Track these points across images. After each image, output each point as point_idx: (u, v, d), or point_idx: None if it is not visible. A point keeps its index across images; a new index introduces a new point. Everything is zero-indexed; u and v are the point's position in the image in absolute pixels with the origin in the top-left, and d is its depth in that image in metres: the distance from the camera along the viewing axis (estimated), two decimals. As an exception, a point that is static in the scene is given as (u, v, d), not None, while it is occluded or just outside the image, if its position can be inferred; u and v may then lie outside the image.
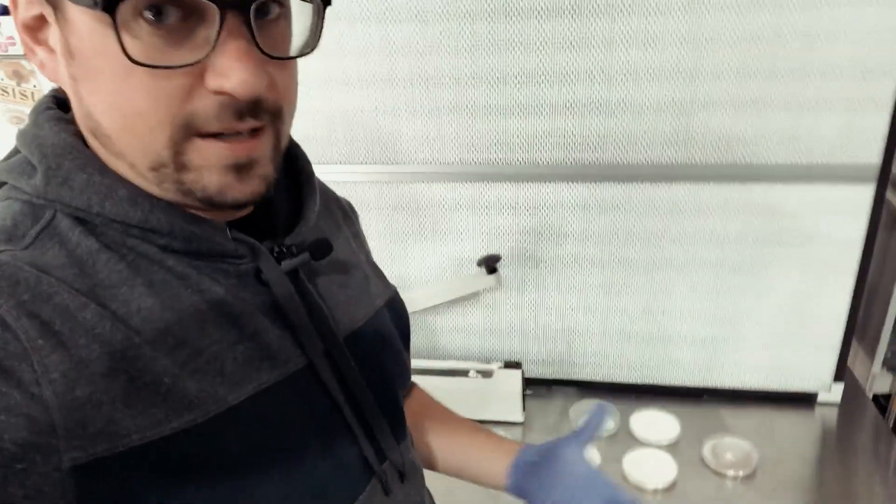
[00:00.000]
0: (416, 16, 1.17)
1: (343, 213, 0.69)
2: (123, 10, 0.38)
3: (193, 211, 0.47)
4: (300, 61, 0.48)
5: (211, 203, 0.45)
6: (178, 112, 0.42)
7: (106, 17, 0.38)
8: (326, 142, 1.29)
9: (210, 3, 0.39)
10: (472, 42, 1.18)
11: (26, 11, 0.43)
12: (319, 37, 0.47)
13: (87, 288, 0.43)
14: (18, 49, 1.17)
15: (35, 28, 0.44)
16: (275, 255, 0.51)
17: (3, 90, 1.13)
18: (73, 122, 0.47)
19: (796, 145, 1.19)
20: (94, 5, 0.38)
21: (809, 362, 1.36)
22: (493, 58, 1.19)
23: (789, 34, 1.11)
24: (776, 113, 1.17)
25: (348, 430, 0.55)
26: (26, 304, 0.40)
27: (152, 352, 0.43)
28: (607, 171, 1.25)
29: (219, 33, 0.40)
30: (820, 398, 1.39)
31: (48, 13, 0.42)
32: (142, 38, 0.39)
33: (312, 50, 0.47)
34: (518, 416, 1.34)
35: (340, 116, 1.27)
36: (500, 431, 1.28)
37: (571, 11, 1.14)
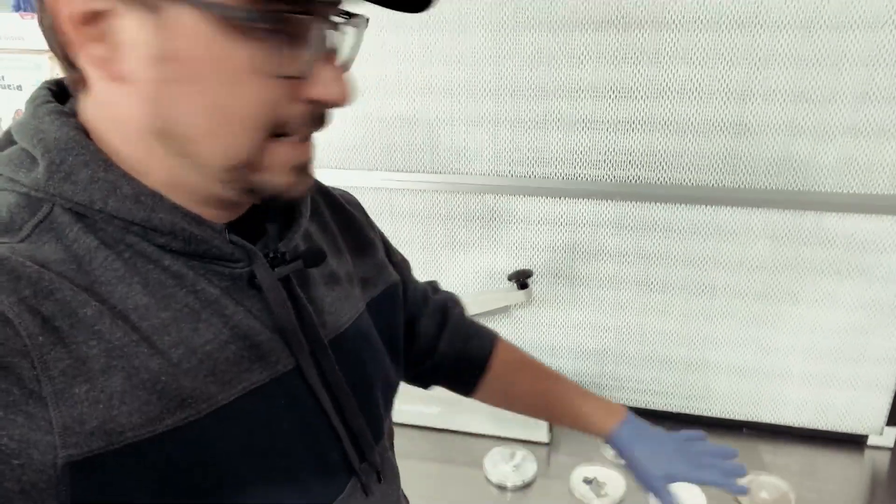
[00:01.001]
0: (458, 25, 1.16)
1: (333, 209, 0.69)
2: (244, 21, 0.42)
3: (195, 211, 0.48)
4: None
5: (272, 199, 0.49)
6: (273, 117, 0.45)
7: (225, 25, 0.41)
8: (364, 148, 1.29)
9: (322, 19, 0.44)
10: (514, 53, 1.16)
11: (84, 5, 0.42)
12: (357, 51, 0.50)
13: (87, 284, 0.43)
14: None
15: (89, 22, 0.42)
16: (269, 259, 0.52)
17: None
18: (73, 115, 0.48)
19: (853, 173, 1.12)
20: (246, 19, 0.41)
21: (860, 403, 1.28)
22: (536, 70, 1.17)
23: (850, 56, 1.05)
24: (832, 139, 1.10)
25: (332, 431, 0.56)
26: (27, 299, 0.40)
27: (149, 349, 0.44)
28: (649, 190, 1.20)
29: (323, 45, 0.44)
30: (870, 441, 1.30)
31: (120, 7, 0.41)
32: (252, 47, 0.42)
33: (352, 64, 0.50)
34: (544, 437, 1.31)
35: (378, 124, 1.27)
36: (524, 451, 1.26)
37: (619, 24, 1.10)
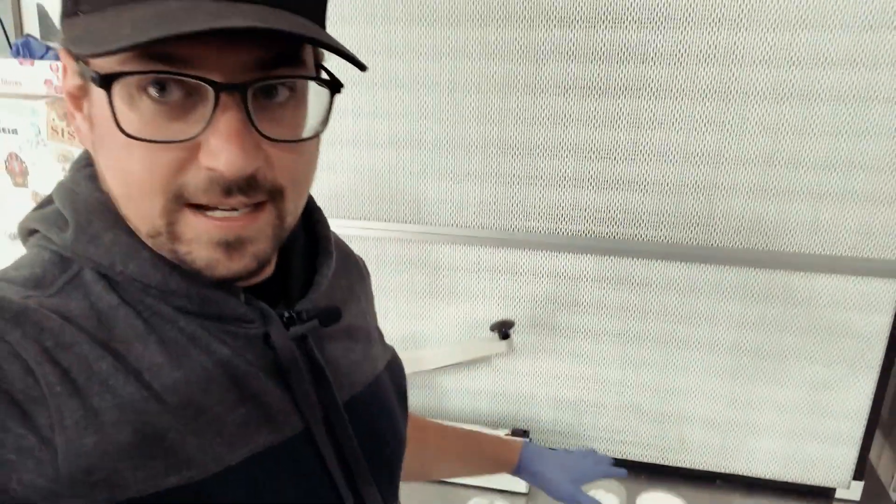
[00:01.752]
0: (448, 85, 1.22)
1: (357, 273, 0.69)
2: (125, 86, 0.41)
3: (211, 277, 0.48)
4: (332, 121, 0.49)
5: (200, 276, 0.47)
6: (171, 183, 0.43)
7: (114, 93, 0.41)
8: (351, 198, 1.32)
9: (205, 83, 0.41)
10: (501, 113, 1.21)
11: (71, 81, 0.47)
12: (327, 122, 0.48)
13: (105, 339, 0.45)
14: (72, 93, 1.24)
15: (77, 97, 0.47)
16: (284, 320, 0.53)
17: (54, 129, 1.19)
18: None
19: (821, 235, 1.18)
20: (94, 81, 0.41)
21: (828, 457, 1.32)
22: (522, 129, 1.22)
23: (817, 125, 1.12)
24: (801, 202, 1.17)
25: (340, 500, 0.55)
26: (49, 350, 0.42)
27: (159, 407, 0.45)
28: (627, 246, 1.25)
29: (213, 112, 0.41)
30: (838, 495, 1.34)
31: (84, 84, 0.46)
32: (143, 112, 0.42)
33: (319, 134, 0.48)
34: (522, 487, 1.32)
35: (367, 174, 1.30)
36: (502, 502, 1.27)
37: (601, 91, 1.17)
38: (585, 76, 1.16)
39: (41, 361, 0.41)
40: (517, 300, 1.33)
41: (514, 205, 1.27)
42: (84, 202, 0.48)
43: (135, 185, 0.44)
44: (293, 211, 0.49)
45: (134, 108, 0.42)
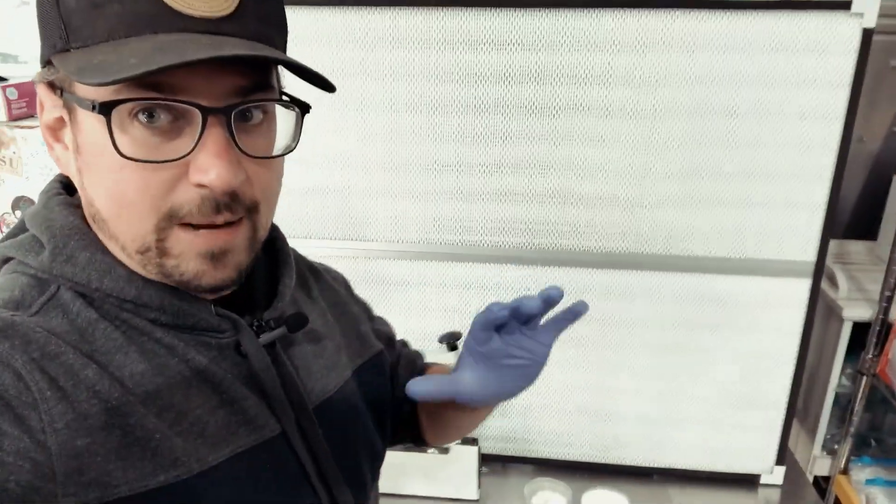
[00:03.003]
0: (389, 107, 1.24)
1: (321, 285, 0.72)
2: (118, 113, 0.45)
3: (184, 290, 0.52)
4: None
5: (187, 287, 0.51)
6: (163, 202, 0.47)
7: (103, 119, 0.44)
8: (300, 217, 1.33)
9: (195, 107, 0.45)
10: (440, 133, 1.25)
11: (49, 114, 0.50)
12: (298, 139, 0.54)
13: (88, 351, 0.48)
14: (1, 115, 1.19)
15: (55, 128, 0.51)
16: (254, 328, 0.56)
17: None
18: (79, 206, 0.52)
19: (741, 241, 1.28)
20: (92, 109, 0.45)
21: (752, 445, 1.42)
22: (459, 147, 1.26)
23: (737, 140, 1.21)
24: (722, 210, 1.26)
25: (316, 498, 0.58)
26: (37, 360, 0.45)
27: (144, 411, 0.48)
28: (564, 256, 1.31)
29: (201, 133, 0.46)
30: (763, 480, 1.44)
31: (65, 115, 0.49)
32: (134, 136, 0.45)
33: (292, 150, 0.54)
34: (473, 494, 1.35)
35: (314, 194, 1.31)
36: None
37: (539, 110, 1.22)
38: (524, 96, 1.22)
39: (31, 369, 0.44)
40: (463, 312, 1.37)
41: (455, 220, 1.31)
42: (60, 227, 0.51)
43: (127, 205, 0.47)
44: (265, 224, 0.54)
45: (125, 132, 0.45)
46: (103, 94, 0.44)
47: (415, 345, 1.40)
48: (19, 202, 1.23)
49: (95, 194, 0.49)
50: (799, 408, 1.42)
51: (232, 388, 0.53)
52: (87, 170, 0.48)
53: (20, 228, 0.54)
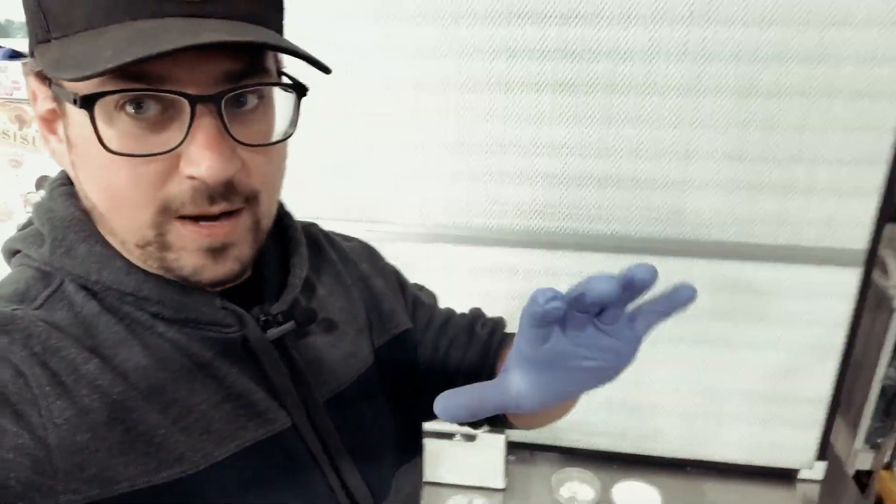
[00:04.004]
0: (414, 85, 1.19)
1: (343, 262, 0.67)
2: (103, 105, 0.42)
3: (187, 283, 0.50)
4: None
5: (187, 281, 0.49)
6: (156, 195, 0.45)
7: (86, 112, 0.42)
8: (315, 198, 1.29)
9: (181, 97, 0.42)
10: (467, 111, 1.20)
11: (42, 105, 0.48)
12: (296, 124, 0.50)
13: (91, 345, 0.47)
14: (22, 94, 1.18)
15: (49, 120, 0.48)
16: (261, 323, 0.54)
17: (5, 133, 1.13)
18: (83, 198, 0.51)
19: (786, 227, 1.21)
20: (74, 103, 0.42)
21: (792, 439, 1.36)
22: (490, 126, 1.21)
23: (782, 121, 1.14)
24: (767, 195, 1.19)
25: (330, 492, 0.57)
26: (38, 355, 0.44)
27: (147, 406, 0.47)
28: (599, 241, 1.26)
29: (190, 123, 0.43)
30: (802, 475, 1.39)
31: (56, 107, 0.47)
32: (122, 129, 0.43)
33: (290, 136, 0.50)
34: (500, 483, 1.33)
35: (336, 174, 1.28)
36: (481, 499, 1.28)
37: (574, 88, 1.16)
38: (559, 73, 1.16)
39: (31, 364, 0.43)
40: (491, 298, 1.32)
41: (487, 203, 1.27)
42: (60, 218, 0.50)
43: (120, 199, 0.45)
44: (268, 214, 0.51)
45: (113, 125, 0.43)
46: (84, 86, 0.42)
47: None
48: (43, 181, 1.22)
49: (90, 188, 0.47)
50: (842, 401, 1.35)
51: (238, 383, 0.52)
52: (80, 163, 0.47)
53: (30, 221, 0.54)
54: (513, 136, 1.21)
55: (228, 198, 0.46)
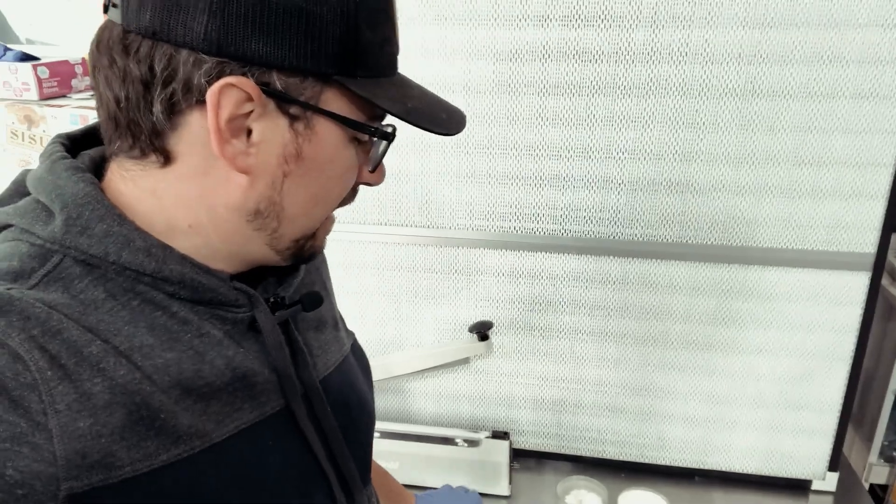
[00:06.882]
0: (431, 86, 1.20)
1: (324, 263, 0.73)
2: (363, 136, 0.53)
3: (204, 263, 0.51)
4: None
5: (308, 259, 0.58)
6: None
7: (345, 133, 0.51)
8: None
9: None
10: (477, 114, 1.21)
11: (237, 109, 0.46)
12: None
13: (91, 325, 0.46)
14: (32, 94, 1.20)
15: (233, 122, 0.47)
16: (269, 304, 0.56)
17: (14, 133, 1.15)
18: (86, 170, 0.50)
19: (793, 231, 1.20)
20: (386, 137, 0.53)
21: (803, 449, 1.33)
22: (497, 129, 1.21)
23: (786, 123, 1.13)
24: (773, 198, 1.18)
25: (320, 472, 0.58)
26: (36, 338, 0.42)
27: (151, 388, 0.46)
28: (604, 245, 1.25)
29: (384, 152, 0.55)
30: (814, 486, 1.36)
31: (282, 121, 0.48)
32: (357, 151, 0.54)
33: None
34: (504, 490, 1.30)
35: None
36: (485, 504, 1.25)
37: (578, 91, 1.16)
38: (565, 77, 1.16)
39: (30, 348, 0.42)
40: (496, 301, 1.32)
41: (493, 206, 1.27)
42: (71, 194, 0.48)
43: (323, 204, 0.54)
44: None
45: (349, 147, 0.53)
46: (368, 118, 0.53)
47: (444, 335, 1.37)
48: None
49: (292, 196, 0.51)
50: (854, 411, 1.32)
51: (243, 363, 0.52)
52: (301, 175, 0.50)
53: (18, 193, 0.52)
54: (517, 139, 1.21)
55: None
